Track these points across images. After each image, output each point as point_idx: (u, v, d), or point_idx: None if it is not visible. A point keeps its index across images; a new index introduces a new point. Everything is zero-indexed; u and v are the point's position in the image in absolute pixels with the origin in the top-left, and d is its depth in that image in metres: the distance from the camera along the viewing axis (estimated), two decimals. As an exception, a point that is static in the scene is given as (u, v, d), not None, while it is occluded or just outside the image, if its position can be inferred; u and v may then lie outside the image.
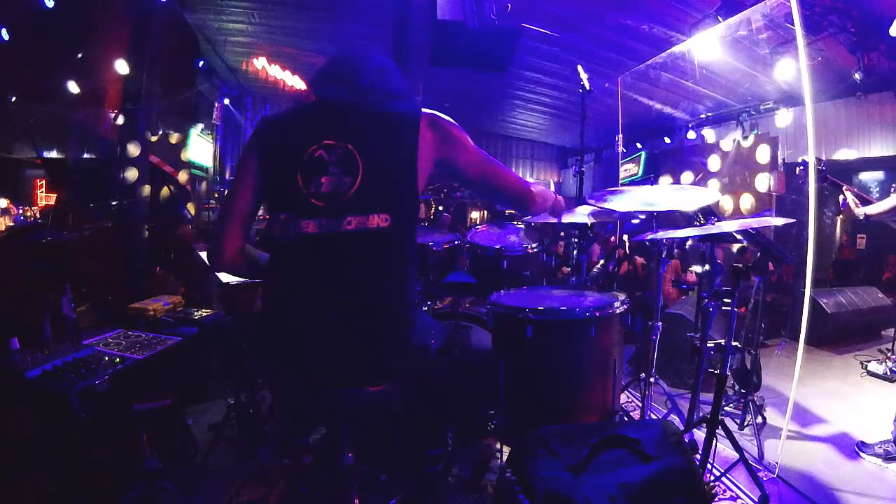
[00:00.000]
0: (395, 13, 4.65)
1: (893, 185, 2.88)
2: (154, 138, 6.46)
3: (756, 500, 2.22)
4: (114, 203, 5.48)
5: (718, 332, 3.16)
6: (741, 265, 2.17)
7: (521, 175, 1.66)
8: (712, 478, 2.20)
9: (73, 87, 6.03)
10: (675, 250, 6.33)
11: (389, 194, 1.28)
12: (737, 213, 8.14)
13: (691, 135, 9.27)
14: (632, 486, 1.36)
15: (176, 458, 2.32)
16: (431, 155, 1.33)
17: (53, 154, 7.20)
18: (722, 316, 2.30)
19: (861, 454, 2.73)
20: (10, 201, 7.00)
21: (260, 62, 8.71)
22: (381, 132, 1.31)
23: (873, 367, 4.08)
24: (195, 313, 2.55)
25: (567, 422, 1.79)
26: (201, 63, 8.29)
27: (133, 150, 5.51)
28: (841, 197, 2.92)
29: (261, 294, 1.42)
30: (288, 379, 1.36)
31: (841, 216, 7.48)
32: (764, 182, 7.81)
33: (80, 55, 5.80)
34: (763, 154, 7.86)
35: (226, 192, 9.80)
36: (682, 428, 2.00)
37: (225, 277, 2.40)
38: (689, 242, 6.29)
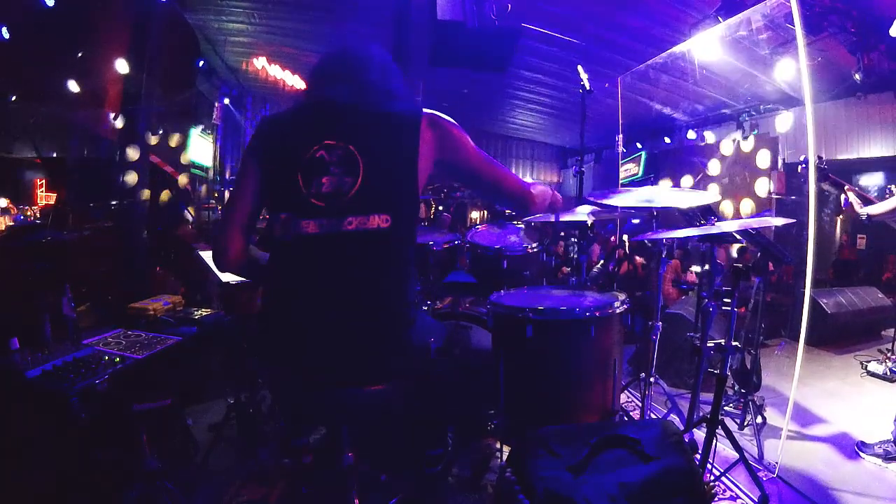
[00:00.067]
0: (395, 13, 4.65)
1: (890, 186, 2.88)
2: (154, 140, 6.45)
3: (756, 500, 2.22)
4: (114, 203, 5.48)
5: (718, 332, 3.16)
6: (741, 265, 2.17)
7: (520, 175, 1.67)
8: (712, 478, 2.20)
9: (73, 87, 6.03)
10: (677, 250, 6.33)
11: (390, 195, 1.28)
12: (737, 218, 8.14)
13: (691, 135, 9.27)
14: (632, 486, 1.36)
15: (176, 458, 2.32)
16: (432, 155, 1.34)
17: (53, 154, 7.20)
18: (722, 316, 2.30)
19: (861, 454, 2.73)
20: (10, 201, 6.99)
21: (260, 62, 8.71)
22: (382, 132, 1.31)
23: (873, 367, 4.08)
24: (195, 313, 2.55)
25: (567, 422, 1.79)
26: (201, 63, 8.29)
27: (132, 153, 5.52)
28: (843, 197, 2.91)
29: (261, 294, 1.42)
30: (288, 379, 1.36)
31: (841, 216, 7.49)
32: (764, 186, 7.80)
33: (80, 55, 5.79)
34: (763, 158, 7.86)
35: (226, 192, 9.83)
36: (682, 428, 1.99)
37: (225, 277, 2.40)
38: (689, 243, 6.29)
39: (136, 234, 5.21)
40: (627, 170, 10.40)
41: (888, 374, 3.97)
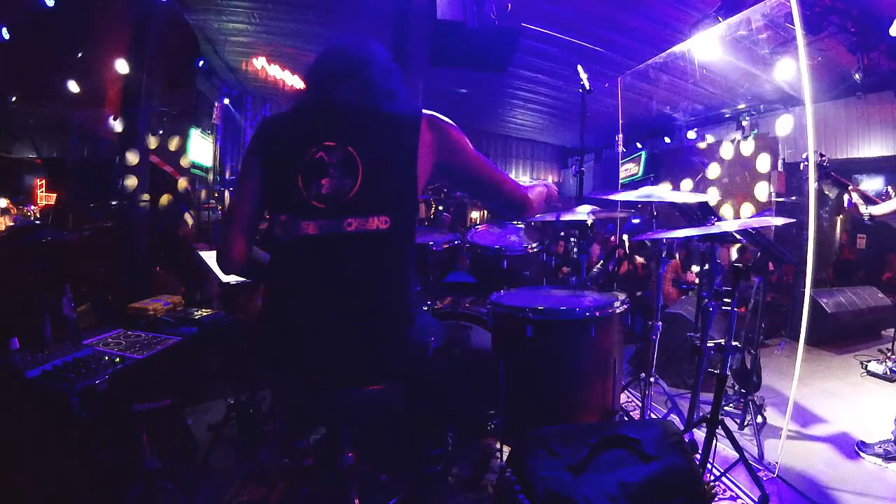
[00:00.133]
0: (395, 13, 4.65)
1: (888, 188, 2.88)
2: (154, 143, 6.44)
3: (756, 499, 2.22)
4: (114, 203, 5.48)
5: (718, 332, 3.16)
6: (741, 265, 2.17)
7: (520, 175, 1.67)
8: (712, 478, 2.20)
9: (73, 87, 6.03)
10: (681, 251, 6.32)
11: (389, 196, 1.28)
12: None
13: (691, 135, 9.27)
14: (632, 486, 1.36)
15: (176, 458, 2.32)
16: (431, 156, 1.34)
17: (53, 154, 7.20)
18: (722, 316, 2.30)
19: (861, 454, 2.73)
20: (10, 201, 6.99)
21: (260, 62, 8.71)
22: (382, 133, 1.31)
23: (873, 367, 4.08)
24: (195, 313, 2.55)
25: (567, 422, 1.79)
26: (201, 63, 8.29)
27: (132, 158, 5.52)
28: (846, 197, 2.91)
29: (261, 294, 1.43)
30: (288, 379, 1.36)
31: (841, 216, 7.48)
32: (764, 189, 7.80)
33: (80, 55, 5.79)
34: (763, 162, 7.85)
35: (226, 192, 9.83)
36: (682, 428, 2.00)
37: (225, 278, 2.40)
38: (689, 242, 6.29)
39: (137, 234, 5.21)
40: (627, 170, 10.40)
41: (888, 374, 3.97)
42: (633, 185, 9.88)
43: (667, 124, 9.40)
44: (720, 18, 5.27)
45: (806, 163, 2.79)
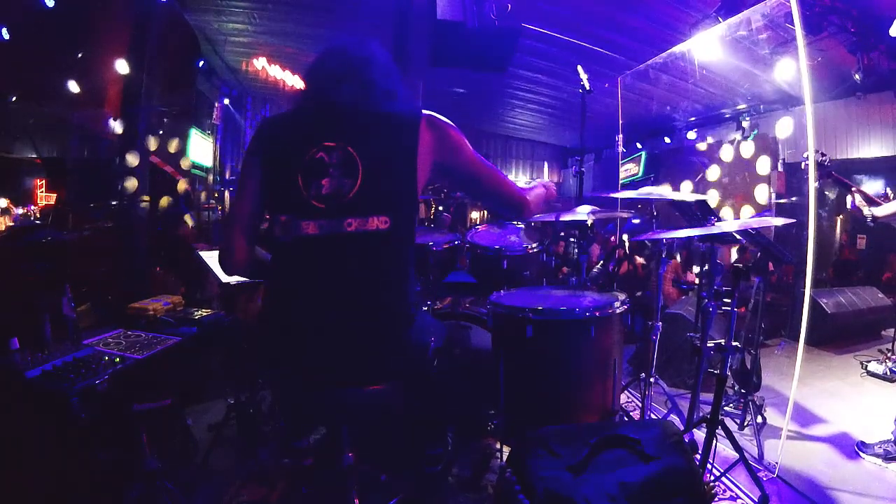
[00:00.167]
0: (395, 13, 4.65)
1: (887, 189, 2.88)
2: (154, 145, 6.44)
3: (756, 500, 2.22)
4: (114, 203, 5.48)
5: (718, 332, 3.16)
6: (741, 265, 2.17)
7: (520, 175, 1.67)
8: (712, 478, 2.20)
9: (73, 87, 6.03)
10: (682, 251, 6.32)
11: (389, 196, 1.28)
12: (736, 222, 8.13)
13: (691, 135, 9.26)
14: (632, 486, 1.36)
15: (176, 458, 2.32)
16: (430, 157, 1.34)
17: (53, 154, 7.20)
18: (722, 316, 2.30)
19: (861, 454, 2.73)
20: (10, 201, 6.99)
21: (260, 62, 8.71)
22: (381, 133, 1.31)
23: (873, 367, 4.08)
24: (195, 313, 2.55)
25: (567, 422, 1.79)
26: (201, 63, 8.29)
27: (132, 160, 5.52)
28: (849, 198, 2.91)
29: (261, 294, 1.43)
30: (288, 379, 1.36)
31: (841, 216, 7.49)
32: (764, 193, 7.80)
33: (80, 55, 5.80)
34: (763, 165, 7.85)
35: (226, 192, 9.82)
36: (682, 428, 2.00)
37: (225, 278, 2.40)
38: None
39: (137, 234, 5.21)
40: (627, 170, 10.40)
41: (888, 374, 3.97)
42: (634, 185, 9.88)
43: (667, 124, 9.40)
44: (720, 18, 5.27)
45: (807, 162, 2.78)
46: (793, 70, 5.78)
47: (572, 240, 2.98)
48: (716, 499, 2.29)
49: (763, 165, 7.84)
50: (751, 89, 7.47)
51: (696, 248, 6.39)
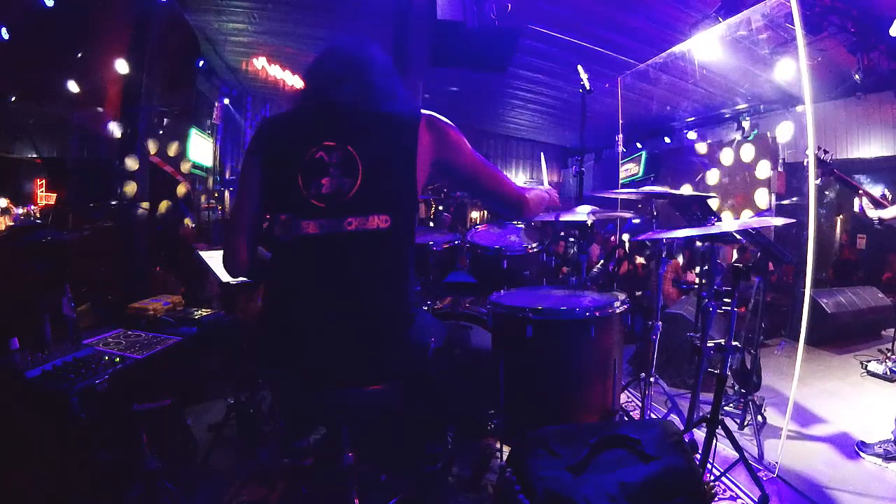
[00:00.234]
0: (395, 13, 4.65)
1: (885, 190, 2.86)
2: (153, 147, 6.44)
3: (756, 499, 2.22)
4: (114, 203, 5.48)
5: (718, 332, 3.16)
6: (741, 265, 2.17)
7: (520, 175, 1.68)
8: (712, 478, 2.20)
9: (73, 87, 6.03)
10: (684, 252, 6.32)
11: (389, 195, 1.29)
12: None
13: (691, 135, 9.26)
14: (632, 486, 1.36)
15: (176, 458, 2.32)
16: (430, 156, 1.34)
17: (53, 154, 7.20)
18: (722, 316, 2.30)
19: (861, 454, 2.73)
20: (10, 201, 6.99)
21: (260, 62, 8.71)
22: (381, 133, 1.31)
23: (873, 367, 4.08)
24: (195, 313, 2.55)
25: (567, 422, 1.79)
26: (201, 63, 8.29)
27: (132, 164, 5.52)
28: (856, 200, 2.90)
29: (261, 294, 1.43)
30: (288, 379, 1.36)
31: (840, 216, 7.49)
32: (764, 197, 7.81)
33: (80, 55, 5.79)
34: (763, 169, 7.86)
35: (226, 192, 9.81)
36: (682, 428, 2.00)
37: (226, 277, 2.40)
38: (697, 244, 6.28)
39: (137, 234, 5.21)
40: (627, 170, 10.39)
41: (888, 374, 3.97)
42: (634, 185, 9.88)
43: (667, 124, 9.40)
44: (720, 18, 5.27)
45: (808, 161, 2.77)
46: (793, 70, 5.78)
47: (572, 240, 2.98)
48: (716, 499, 2.29)
49: (763, 169, 7.84)
50: (751, 89, 7.47)
51: (698, 248, 6.39)
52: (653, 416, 2.92)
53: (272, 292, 1.38)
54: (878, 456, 2.66)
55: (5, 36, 4.79)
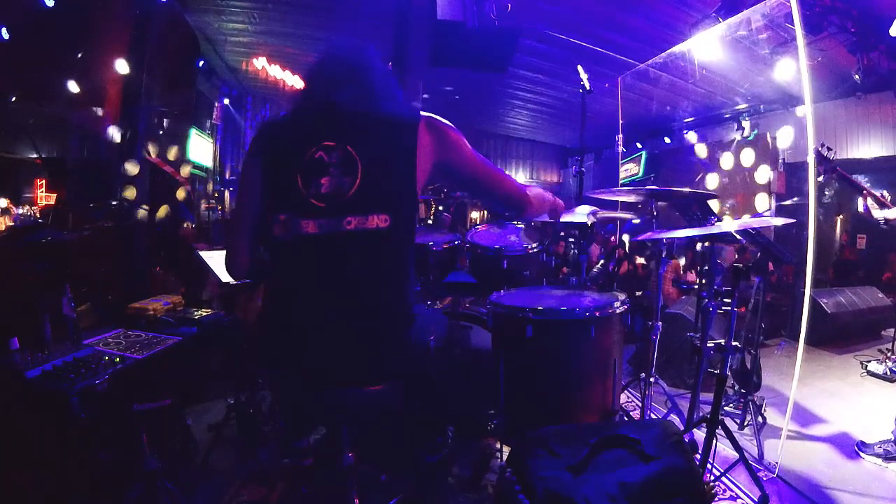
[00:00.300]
0: (395, 13, 4.65)
1: (883, 192, 2.86)
2: (153, 150, 6.43)
3: (756, 499, 2.22)
4: (114, 203, 5.48)
5: (718, 332, 3.16)
6: (741, 265, 2.17)
7: (520, 175, 1.68)
8: (712, 478, 2.20)
9: (73, 87, 6.03)
10: (687, 253, 6.32)
11: (389, 195, 1.29)
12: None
13: (691, 135, 9.26)
14: (632, 486, 1.36)
15: (176, 458, 2.32)
16: (429, 157, 1.34)
17: (53, 154, 7.20)
18: (722, 316, 2.30)
19: (861, 454, 2.73)
20: (10, 201, 6.99)
21: (260, 62, 8.71)
22: (381, 133, 1.32)
23: (873, 367, 4.08)
24: (195, 313, 2.55)
25: (567, 422, 1.79)
26: (201, 63, 8.29)
27: (131, 168, 5.51)
28: (860, 200, 2.89)
29: (261, 294, 1.43)
30: (288, 379, 1.36)
31: (840, 216, 7.49)
32: (764, 202, 7.81)
33: (80, 55, 5.79)
34: (763, 174, 7.86)
35: (226, 192, 9.81)
36: (682, 428, 2.00)
37: (225, 277, 2.40)
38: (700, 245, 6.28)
39: (137, 234, 5.21)
40: (627, 170, 10.40)
41: (888, 374, 3.97)
42: (634, 185, 9.88)
43: (667, 124, 9.41)
44: (720, 18, 5.27)
45: (815, 155, 2.75)
46: (793, 70, 5.79)
47: (572, 240, 2.98)
48: (716, 499, 2.29)
49: (762, 174, 7.85)
50: (751, 89, 7.47)
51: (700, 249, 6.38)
52: (653, 416, 2.92)
53: (272, 292, 1.38)
54: (878, 456, 2.66)
55: (5, 36, 4.79)
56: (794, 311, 5.17)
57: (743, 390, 3.08)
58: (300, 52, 8.21)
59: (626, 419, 2.73)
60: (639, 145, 10.47)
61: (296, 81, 8.87)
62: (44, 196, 7.74)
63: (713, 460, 2.12)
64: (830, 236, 7.53)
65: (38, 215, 6.97)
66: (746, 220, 2.37)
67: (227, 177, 10.37)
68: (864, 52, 5.57)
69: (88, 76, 5.90)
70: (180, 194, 7.55)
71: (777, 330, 5.27)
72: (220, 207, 9.61)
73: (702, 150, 9.01)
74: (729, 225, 2.23)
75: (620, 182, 8.36)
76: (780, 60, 5.94)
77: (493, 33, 3.86)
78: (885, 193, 2.80)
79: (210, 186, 10.01)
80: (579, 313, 1.91)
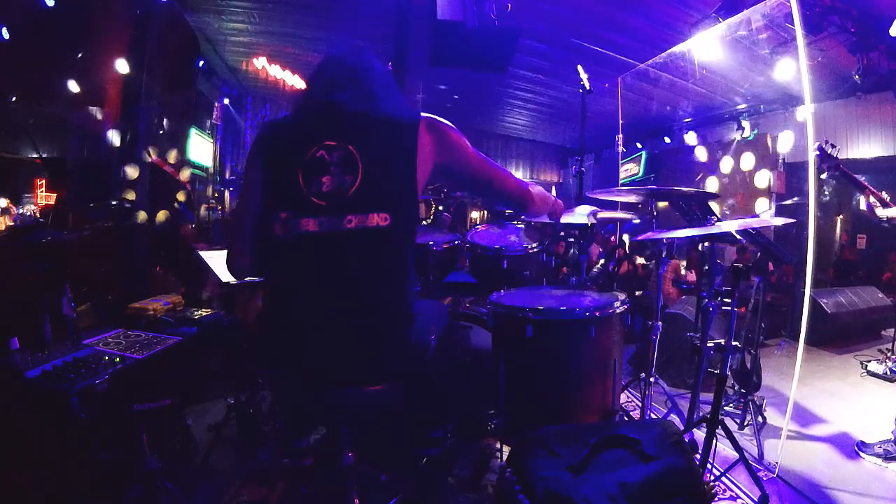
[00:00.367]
0: (395, 13, 4.65)
1: (883, 192, 2.85)
2: (153, 152, 6.43)
3: (756, 499, 2.22)
4: (114, 203, 5.48)
5: (718, 332, 3.16)
6: (741, 265, 2.16)
7: (521, 175, 1.68)
8: (712, 478, 2.20)
9: (73, 87, 6.03)
10: (692, 252, 6.32)
11: (389, 194, 1.29)
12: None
13: (691, 135, 9.26)
14: (632, 486, 1.36)
15: (176, 458, 2.32)
16: (430, 158, 1.35)
17: (53, 154, 7.20)
18: (722, 316, 2.30)
19: (861, 454, 2.73)
20: (10, 201, 6.99)
21: (260, 62, 8.71)
22: (382, 133, 1.32)
23: (873, 367, 4.08)
24: (195, 313, 2.55)
25: (567, 422, 1.79)
26: (201, 63, 8.29)
27: (131, 172, 5.52)
28: (863, 199, 2.88)
29: (261, 294, 1.43)
30: (288, 379, 1.36)
31: (840, 216, 7.49)
32: (763, 205, 7.81)
33: (80, 55, 5.79)
34: (762, 178, 7.86)
35: (226, 191, 9.80)
36: (682, 428, 1.99)
37: (225, 277, 2.40)
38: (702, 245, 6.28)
39: (137, 234, 5.21)
40: (628, 170, 10.40)
41: (888, 374, 3.97)
42: (634, 185, 9.88)
43: (667, 124, 9.41)
44: (720, 18, 5.27)
45: (818, 151, 2.73)
46: (793, 70, 5.79)
47: (572, 240, 2.98)
48: (716, 499, 2.29)
49: (762, 178, 7.85)
50: (751, 89, 7.47)
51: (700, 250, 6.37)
52: (653, 416, 2.92)
53: (272, 291, 1.38)
54: (878, 456, 2.66)
55: (5, 36, 4.80)
56: (794, 311, 5.17)
57: (743, 390, 3.07)
58: (300, 52, 8.21)
59: (626, 419, 2.73)
60: (639, 145, 10.47)
61: (296, 81, 8.88)
62: (44, 196, 7.74)
63: (713, 460, 2.12)
64: (830, 236, 7.53)
65: (38, 215, 6.97)
66: (746, 221, 2.37)
67: (227, 177, 10.37)
68: (864, 52, 5.57)
69: (88, 76, 5.90)
70: (181, 197, 7.56)
71: (777, 330, 5.27)
72: (220, 207, 9.61)
73: (702, 156, 9.01)
74: (729, 225, 2.23)
75: (620, 182, 8.35)
76: (780, 60, 5.94)
77: (493, 33, 3.86)
78: (885, 195, 2.80)
79: (210, 188, 10.02)
80: (579, 313, 1.91)
